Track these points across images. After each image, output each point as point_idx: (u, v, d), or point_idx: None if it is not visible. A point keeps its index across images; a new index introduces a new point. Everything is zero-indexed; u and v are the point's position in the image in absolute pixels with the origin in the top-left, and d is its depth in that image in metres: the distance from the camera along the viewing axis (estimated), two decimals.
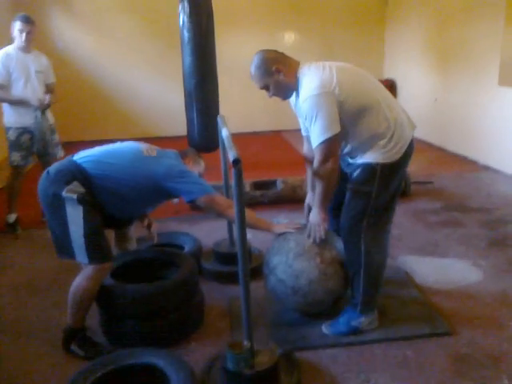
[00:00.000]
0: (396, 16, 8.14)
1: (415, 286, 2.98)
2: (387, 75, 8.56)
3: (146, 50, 7.95)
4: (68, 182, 2.30)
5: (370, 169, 2.24)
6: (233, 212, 2.01)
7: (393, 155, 2.24)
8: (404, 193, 4.58)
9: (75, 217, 2.29)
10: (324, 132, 2.14)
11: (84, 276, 2.36)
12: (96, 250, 2.34)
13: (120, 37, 7.86)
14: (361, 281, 2.37)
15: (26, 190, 4.03)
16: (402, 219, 4.12)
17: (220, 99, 5.76)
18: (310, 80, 2.19)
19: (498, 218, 4.11)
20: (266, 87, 2.33)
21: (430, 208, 4.44)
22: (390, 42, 8.45)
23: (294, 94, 2.34)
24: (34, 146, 4.02)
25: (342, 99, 2.15)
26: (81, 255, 2.33)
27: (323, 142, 2.15)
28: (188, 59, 5.39)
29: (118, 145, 2.60)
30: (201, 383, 2.06)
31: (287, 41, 8.38)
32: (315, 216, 2.38)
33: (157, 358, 2.05)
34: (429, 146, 7.06)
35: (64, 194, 2.28)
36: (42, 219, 4.22)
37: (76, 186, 2.31)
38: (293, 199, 4.44)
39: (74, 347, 2.42)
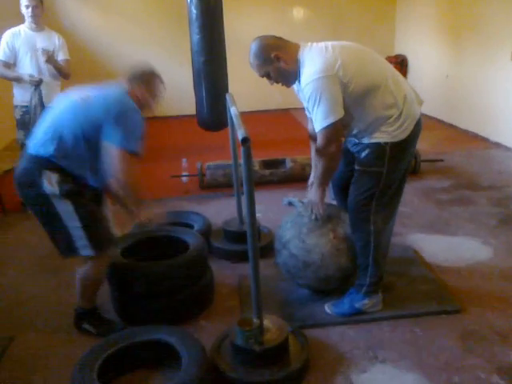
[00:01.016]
0: None
1: (424, 263, 2.98)
2: (398, 51, 8.43)
3: (153, 29, 7.86)
4: (40, 176, 2.17)
5: (379, 149, 2.22)
6: (125, 186, 2.14)
7: (401, 133, 2.21)
8: (414, 171, 4.55)
9: (67, 212, 2.20)
10: (327, 116, 2.11)
11: (89, 265, 2.35)
12: (98, 239, 2.29)
13: (126, 14, 7.77)
14: (370, 262, 2.37)
15: None
16: (412, 197, 4.10)
17: (229, 77, 5.72)
18: (312, 63, 2.13)
19: (508, 196, 4.08)
20: (266, 75, 2.27)
21: (439, 186, 4.41)
22: (401, 17, 8.29)
23: None
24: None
25: (346, 81, 2.11)
26: (84, 249, 2.26)
27: (326, 127, 2.13)
28: (196, 37, 5.33)
29: (52, 111, 2.33)
30: (211, 360, 2.09)
31: (296, 17, 8.24)
32: (313, 195, 2.41)
33: (168, 335, 2.09)
34: (439, 123, 6.98)
35: (46, 189, 2.16)
36: None
37: (50, 176, 2.17)
38: (302, 178, 4.40)
39: (85, 325, 2.46)
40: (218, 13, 5.32)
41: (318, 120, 2.13)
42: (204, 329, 2.46)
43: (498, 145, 5.71)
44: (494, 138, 5.86)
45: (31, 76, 3.86)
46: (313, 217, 2.44)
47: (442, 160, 5.08)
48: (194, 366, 1.90)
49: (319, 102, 2.09)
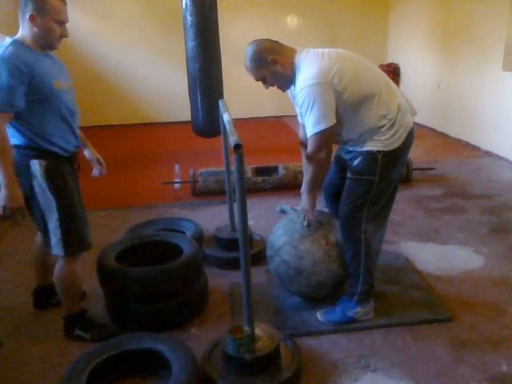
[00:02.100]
0: None
1: (416, 272, 2.99)
2: (390, 59, 8.49)
3: (148, 35, 7.88)
4: (27, 166, 2.14)
5: (371, 157, 2.22)
6: None
7: (393, 142, 2.21)
8: (405, 179, 4.58)
9: (49, 206, 2.19)
10: (319, 122, 2.11)
11: (60, 264, 2.33)
12: (70, 240, 2.26)
13: (121, 20, 7.78)
14: (361, 271, 2.37)
15: None
16: (404, 205, 4.11)
17: (224, 84, 5.73)
18: (308, 68, 2.13)
19: (499, 205, 4.11)
20: (262, 79, 2.27)
21: (431, 194, 4.43)
22: (394, 25, 8.36)
23: None
24: None
25: (340, 89, 2.11)
26: (56, 247, 2.26)
27: (317, 133, 2.13)
28: (191, 43, 5.34)
29: None
30: (202, 368, 2.07)
31: (290, 24, 8.30)
32: (303, 202, 2.42)
33: (158, 343, 2.07)
34: (431, 132, 7.03)
35: (32, 179, 2.15)
36: None
37: (35, 165, 2.14)
38: (294, 185, 4.42)
39: (77, 332, 2.44)
40: (213, 20, 5.33)
41: (310, 125, 2.13)
42: (195, 336, 2.45)
43: (489, 153, 5.75)
44: (485, 146, 5.90)
45: None
46: (305, 223, 2.44)
47: (433, 168, 5.11)
48: (185, 375, 1.89)
49: (312, 107, 2.09)
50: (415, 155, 5.13)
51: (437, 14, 6.90)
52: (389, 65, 8.30)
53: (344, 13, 8.28)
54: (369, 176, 2.24)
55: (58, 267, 2.35)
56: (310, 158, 2.24)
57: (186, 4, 5.21)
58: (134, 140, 7.26)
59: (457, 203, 4.19)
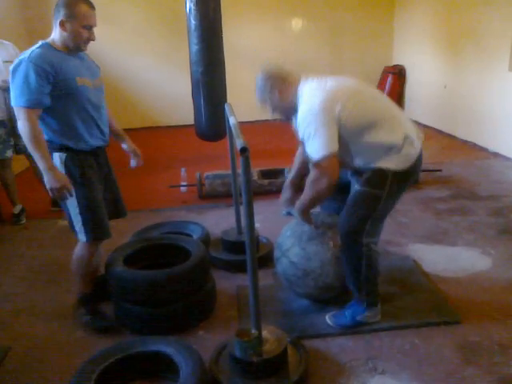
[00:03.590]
0: (405, 1, 8.02)
1: (423, 273, 2.97)
2: (396, 61, 8.47)
3: (152, 39, 7.89)
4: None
5: (381, 173, 2.22)
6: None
7: (402, 164, 2.22)
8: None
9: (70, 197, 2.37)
10: (321, 149, 2.10)
11: (80, 245, 2.55)
12: (92, 228, 2.45)
13: (125, 24, 7.81)
14: (364, 283, 2.34)
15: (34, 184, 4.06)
16: (411, 207, 4.10)
17: (228, 87, 5.74)
18: (311, 99, 2.16)
19: (507, 206, 4.08)
20: (267, 107, 2.35)
21: (438, 196, 4.41)
22: (399, 27, 8.34)
23: None
24: (10, 140, 3.96)
25: (343, 117, 2.12)
26: (80, 233, 2.47)
27: (320, 160, 2.12)
28: (195, 47, 5.36)
29: None
30: (209, 371, 2.07)
31: (295, 27, 8.27)
32: (298, 210, 2.43)
33: (166, 346, 2.07)
34: (438, 133, 6.99)
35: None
36: (50, 209, 4.27)
37: (56, 158, 2.36)
38: (300, 188, 4.42)
39: (81, 310, 2.59)
40: (216, 23, 5.35)
41: (313, 152, 2.13)
42: (202, 339, 2.45)
43: (496, 155, 5.72)
44: (492, 147, 5.87)
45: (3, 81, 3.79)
46: (311, 226, 2.43)
47: (440, 170, 5.09)
48: (192, 378, 1.89)
49: (314, 134, 2.11)
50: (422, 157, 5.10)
51: (442, 15, 6.88)
52: (394, 66, 8.28)
53: (349, 15, 8.25)
54: (377, 190, 2.22)
55: (78, 250, 2.55)
56: (310, 183, 2.24)
57: (189, 8, 5.23)
58: (140, 144, 7.16)
59: (464, 205, 4.17)
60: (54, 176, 2.24)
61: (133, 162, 2.86)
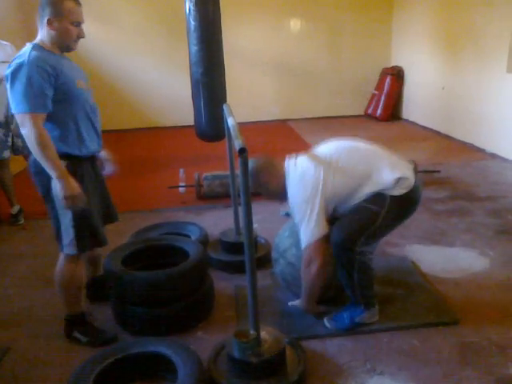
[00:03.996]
0: (404, 2, 8.04)
1: (421, 274, 2.98)
2: (394, 62, 8.49)
3: (151, 39, 7.90)
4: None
5: (379, 195, 2.25)
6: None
7: (397, 191, 2.25)
8: None
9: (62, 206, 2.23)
10: (310, 235, 2.22)
11: (63, 260, 2.39)
12: (84, 239, 2.32)
13: (125, 25, 7.81)
14: (357, 288, 2.35)
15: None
16: None
17: (227, 88, 5.74)
18: (296, 181, 2.30)
19: (505, 207, 4.09)
20: (259, 193, 2.51)
21: (436, 197, 4.41)
22: (398, 28, 8.35)
23: None
24: (8, 140, 3.96)
25: (330, 192, 2.23)
26: (69, 247, 2.32)
27: (309, 245, 2.23)
28: (194, 48, 5.35)
29: None
30: (207, 372, 2.07)
31: (294, 28, 8.28)
32: (301, 305, 2.51)
33: (164, 347, 2.07)
34: (435, 135, 7.01)
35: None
36: None
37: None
38: None
39: (75, 334, 2.45)
40: (216, 24, 5.35)
41: (302, 239, 2.26)
42: (201, 340, 2.45)
43: (494, 156, 5.74)
44: (490, 148, 5.88)
45: None
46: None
47: (438, 171, 5.10)
48: (191, 378, 1.89)
49: (301, 223, 2.24)
50: (420, 158, 5.12)
51: (440, 16, 6.90)
52: (393, 68, 8.30)
53: (348, 16, 8.27)
54: (376, 206, 2.24)
55: (63, 264, 2.38)
56: (303, 274, 2.32)
57: (189, 9, 5.23)
58: (138, 145, 7.27)
59: (462, 205, 4.18)
60: (67, 183, 2.12)
61: (107, 169, 2.60)
